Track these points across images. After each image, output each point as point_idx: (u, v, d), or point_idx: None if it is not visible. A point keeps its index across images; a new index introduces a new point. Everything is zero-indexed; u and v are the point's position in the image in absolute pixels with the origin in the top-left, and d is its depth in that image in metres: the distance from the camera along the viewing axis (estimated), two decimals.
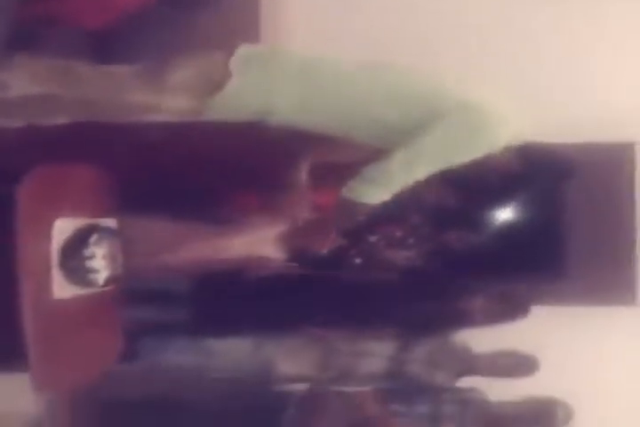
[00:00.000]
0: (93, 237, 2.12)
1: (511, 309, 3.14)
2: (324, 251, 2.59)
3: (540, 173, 2.40)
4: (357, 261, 2.92)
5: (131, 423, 2.89)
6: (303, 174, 2.38)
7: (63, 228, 2.07)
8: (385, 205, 2.58)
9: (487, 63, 3.43)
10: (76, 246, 2.09)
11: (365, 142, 2.27)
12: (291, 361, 3.10)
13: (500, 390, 3.14)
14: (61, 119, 2.22)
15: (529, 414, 3.02)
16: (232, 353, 3.09)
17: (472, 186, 2.62)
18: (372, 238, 2.86)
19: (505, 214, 3.56)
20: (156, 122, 2.26)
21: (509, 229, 3.54)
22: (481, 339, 3.23)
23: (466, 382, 3.21)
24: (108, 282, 2.23)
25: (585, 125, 3.39)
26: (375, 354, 3.12)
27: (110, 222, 2.25)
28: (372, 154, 2.27)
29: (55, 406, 2.97)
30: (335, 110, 2.22)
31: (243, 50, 2.23)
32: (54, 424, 2.93)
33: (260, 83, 2.19)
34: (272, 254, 2.65)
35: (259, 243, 2.62)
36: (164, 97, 2.20)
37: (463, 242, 2.99)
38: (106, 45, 2.85)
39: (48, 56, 2.30)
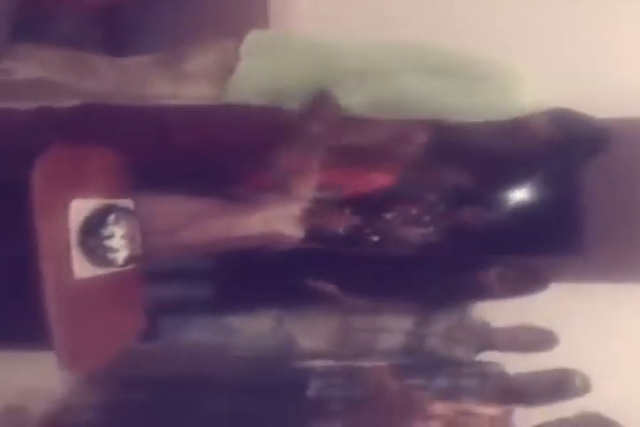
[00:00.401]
0: (111, 217, 2.15)
1: (530, 281, 3.12)
2: (340, 229, 2.61)
3: (576, 142, 2.33)
4: (374, 238, 2.92)
5: (153, 401, 2.93)
6: (316, 155, 2.38)
7: (80, 208, 2.10)
8: (402, 183, 2.59)
9: (510, 43, 3.39)
10: (94, 226, 2.13)
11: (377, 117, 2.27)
12: (310, 338, 3.12)
13: (518, 366, 3.14)
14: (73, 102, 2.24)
15: (547, 384, 3.01)
16: (252, 330, 3.11)
17: (491, 161, 2.61)
18: (388, 216, 2.85)
19: (523, 191, 3.55)
20: (172, 105, 2.28)
21: (527, 206, 3.53)
22: (500, 314, 3.23)
23: (485, 356, 3.21)
24: (127, 261, 2.27)
25: (609, 100, 3.31)
26: (394, 329, 3.14)
27: (127, 203, 2.28)
28: (385, 135, 2.28)
29: (80, 383, 3.03)
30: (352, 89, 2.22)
31: (252, 34, 2.25)
32: (79, 401, 2.99)
33: (271, 65, 2.21)
34: (289, 232, 2.67)
35: (276, 220, 2.62)
36: (182, 86, 2.22)
37: (479, 219, 2.98)
38: (112, 30, 2.86)
39: (56, 43, 2.31)
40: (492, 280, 3.13)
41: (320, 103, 2.33)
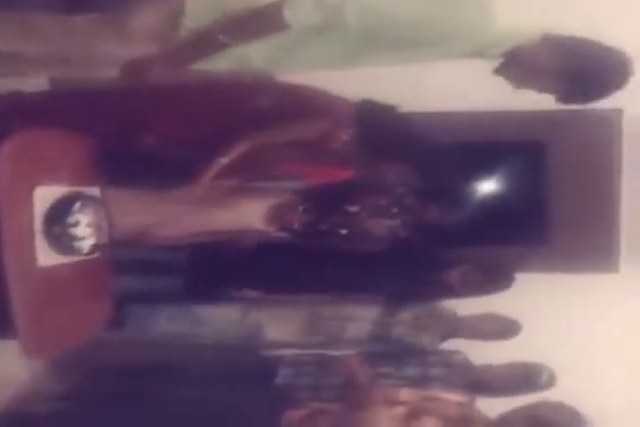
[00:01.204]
0: (77, 205, 2.12)
1: (493, 281, 3.17)
2: (295, 225, 2.64)
3: (589, 70, 2.07)
4: (343, 231, 2.93)
5: (119, 390, 2.92)
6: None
7: (44, 195, 2.07)
8: (364, 176, 2.59)
9: None
10: (59, 214, 2.09)
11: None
12: (278, 327, 3.14)
13: (484, 354, 3.19)
14: (35, 78, 2.19)
15: (514, 377, 3.07)
16: (220, 320, 3.13)
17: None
18: (353, 209, 2.87)
19: (488, 183, 3.60)
20: (138, 86, 2.25)
21: (492, 198, 3.58)
22: (465, 303, 3.28)
23: (450, 345, 3.26)
24: (93, 250, 2.24)
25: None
26: (361, 318, 3.16)
27: (94, 191, 2.25)
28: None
29: (46, 371, 3.01)
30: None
31: None
32: (44, 389, 2.96)
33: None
34: (259, 227, 2.68)
35: (246, 216, 2.63)
36: (128, 46, 2.16)
37: (446, 213, 3.00)
38: None
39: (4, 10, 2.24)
40: (456, 279, 3.18)
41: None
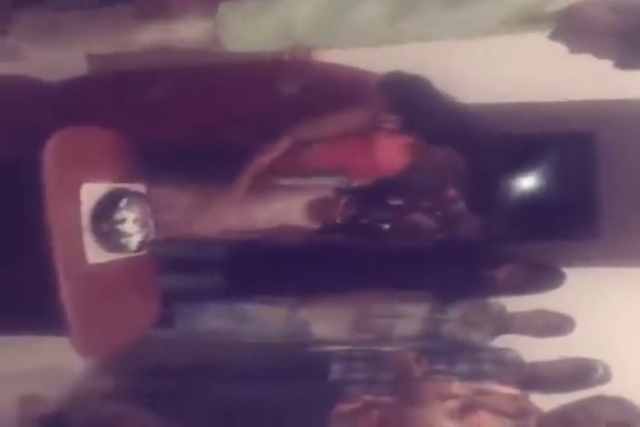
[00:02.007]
0: (123, 201, 2.14)
1: (541, 281, 3.12)
2: (337, 219, 2.61)
3: None
4: (385, 226, 2.90)
5: (170, 389, 2.92)
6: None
7: (91, 192, 2.09)
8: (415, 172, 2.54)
9: None
10: (106, 211, 2.12)
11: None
12: (325, 324, 3.11)
13: (536, 351, 3.12)
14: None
15: (568, 373, 3.01)
16: (268, 318, 3.11)
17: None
18: (395, 202, 2.83)
19: (536, 177, 3.53)
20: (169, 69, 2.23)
21: (542, 191, 3.51)
22: (515, 298, 3.21)
23: (502, 342, 3.20)
24: (141, 246, 2.25)
25: (621, 82, 3.28)
26: (410, 315, 3.12)
27: (139, 187, 2.27)
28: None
29: (96, 369, 3.03)
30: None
31: None
32: (95, 388, 2.99)
33: None
34: (300, 223, 2.66)
35: (285, 212, 2.62)
36: (175, 28, 2.16)
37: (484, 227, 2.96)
38: None
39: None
40: (503, 278, 3.14)
41: None
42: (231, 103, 2.29)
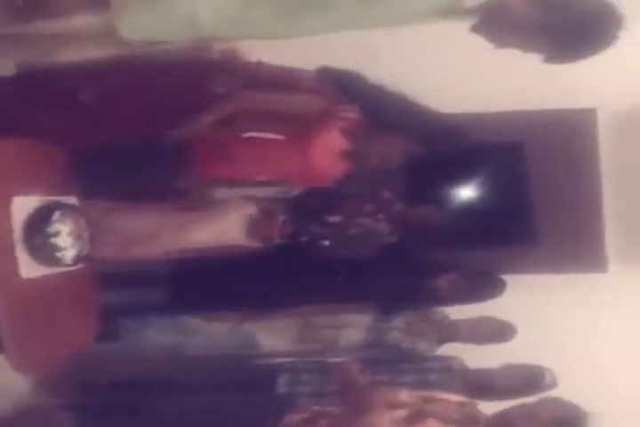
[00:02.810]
0: (56, 214, 2.09)
1: (481, 291, 3.14)
2: (275, 238, 2.60)
3: (571, 17, 1.87)
4: (325, 243, 2.90)
5: (114, 404, 2.87)
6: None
7: (22, 205, 2.03)
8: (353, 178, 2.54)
9: None
10: (38, 224, 2.06)
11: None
12: (271, 336, 3.10)
13: (480, 358, 3.14)
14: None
15: (515, 381, 3.01)
16: (212, 331, 3.08)
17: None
18: (333, 219, 2.83)
19: (472, 187, 3.58)
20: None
21: (478, 200, 3.56)
22: (458, 306, 3.23)
23: (447, 350, 3.22)
24: (76, 260, 2.20)
25: (546, 92, 3.36)
26: (354, 325, 3.12)
27: (72, 200, 2.22)
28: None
29: (37, 385, 2.96)
30: None
31: None
32: (36, 404, 2.92)
33: None
34: (241, 242, 2.66)
35: (225, 232, 2.63)
36: (65, 19, 2.11)
37: (434, 217, 2.98)
38: None
39: None
40: (443, 287, 3.16)
41: None
42: (161, 104, 2.27)
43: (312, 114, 2.30)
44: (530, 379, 3.00)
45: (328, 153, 2.43)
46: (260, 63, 2.41)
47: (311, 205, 2.76)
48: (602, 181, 3.53)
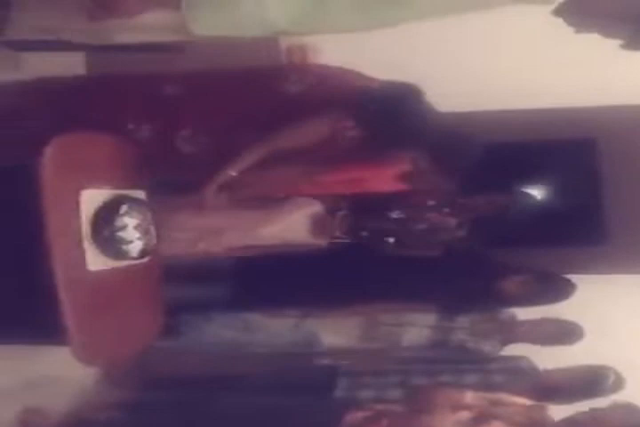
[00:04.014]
0: (123, 208, 2.11)
1: (551, 293, 3.05)
2: (336, 233, 2.64)
3: None
4: (390, 239, 2.87)
5: (174, 400, 2.88)
6: None
7: (91, 199, 2.05)
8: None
9: None
10: (106, 217, 2.08)
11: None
12: (334, 334, 3.06)
13: (548, 359, 3.04)
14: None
15: (579, 381, 2.92)
16: (274, 328, 3.06)
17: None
18: (395, 214, 2.80)
19: (542, 184, 3.48)
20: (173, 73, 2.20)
21: (548, 198, 3.47)
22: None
23: (514, 350, 3.13)
24: (143, 254, 2.21)
25: (622, 87, 3.22)
26: (419, 324, 3.07)
27: (139, 194, 2.24)
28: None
29: (101, 381, 2.99)
30: None
31: None
32: (100, 400, 2.94)
33: None
34: (305, 240, 2.67)
35: (289, 230, 2.63)
36: (140, 21, 2.13)
37: (495, 206, 2.92)
38: None
39: None
40: (511, 289, 3.08)
41: None
42: (239, 105, 2.27)
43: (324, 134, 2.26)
44: (593, 380, 2.92)
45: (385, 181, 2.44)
46: (328, 66, 2.40)
47: (372, 200, 2.73)
48: None
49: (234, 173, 2.27)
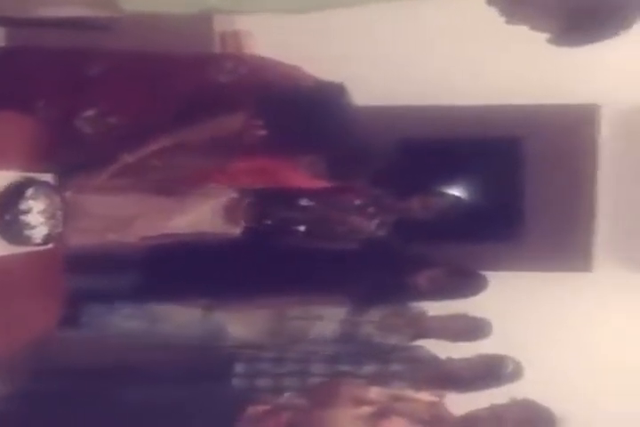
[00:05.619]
0: (29, 191, 2.01)
1: (461, 287, 3.11)
2: (241, 222, 2.60)
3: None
4: (300, 228, 2.87)
5: (73, 392, 2.80)
6: None
7: None
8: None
9: None
10: (10, 200, 1.98)
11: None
12: (241, 327, 3.04)
13: (452, 352, 3.10)
14: None
15: (479, 369, 3.00)
16: (180, 319, 3.02)
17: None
18: (305, 202, 2.80)
19: (463, 181, 3.53)
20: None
21: (465, 194, 3.52)
22: (435, 302, 3.20)
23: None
24: (46, 240, 2.12)
25: (548, 87, 3.32)
26: (327, 318, 3.08)
27: (48, 177, 2.14)
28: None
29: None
30: None
31: None
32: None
33: None
34: (217, 229, 2.64)
35: (202, 220, 2.61)
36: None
37: (427, 208, 2.95)
38: None
39: None
40: (423, 284, 3.12)
41: None
42: (163, 89, 2.22)
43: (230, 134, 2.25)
44: (492, 368, 3.00)
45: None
46: (263, 58, 2.37)
47: (285, 191, 2.72)
48: (598, 180, 3.47)
49: (130, 160, 2.23)
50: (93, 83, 2.20)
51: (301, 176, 2.56)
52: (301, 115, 2.18)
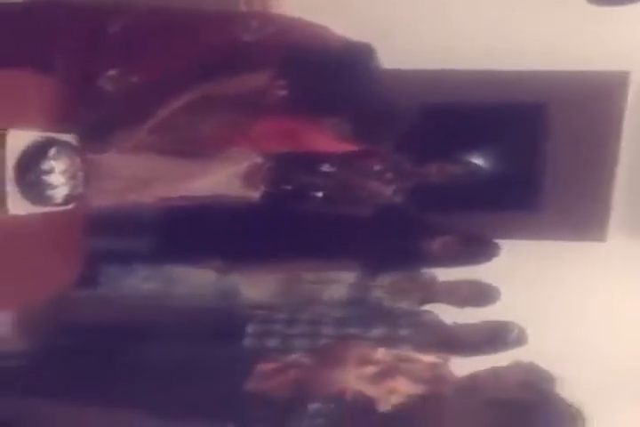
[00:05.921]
0: (51, 151, 2.07)
1: (475, 253, 3.15)
2: (260, 186, 2.61)
3: None
4: (318, 194, 2.90)
5: (88, 349, 2.87)
6: None
7: (18, 139, 2.01)
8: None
9: None
10: (32, 159, 2.04)
11: None
12: (254, 288, 3.10)
13: (460, 318, 3.14)
14: None
15: (483, 335, 3.05)
16: (195, 281, 3.08)
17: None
18: (326, 168, 2.82)
19: (484, 147, 3.50)
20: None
21: (487, 163, 3.50)
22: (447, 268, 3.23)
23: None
24: (67, 200, 2.19)
25: (575, 53, 3.28)
26: (339, 281, 3.13)
27: (70, 137, 2.19)
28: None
29: (11, 327, 2.96)
30: None
31: None
32: (9, 347, 2.91)
33: None
34: (237, 193, 2.65)
35: (223, 182, 2.63)
36: None
37: (445, 175, 2.96)
38: None
39: None
40: (436, 249, 3.16)
41: None
42: (186, 46, 2.21)
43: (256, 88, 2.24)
44: (496, 334, 3.05)
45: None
46: (292, 17, 2.37)
47: (306, 155, 2.74)
48: (619, 150, 3.43)
49: (164, 115, 2.22)
50: (115, 40, 2.19)
51: (326, 138, 2.53)
52: (328, 75, 2.17)
